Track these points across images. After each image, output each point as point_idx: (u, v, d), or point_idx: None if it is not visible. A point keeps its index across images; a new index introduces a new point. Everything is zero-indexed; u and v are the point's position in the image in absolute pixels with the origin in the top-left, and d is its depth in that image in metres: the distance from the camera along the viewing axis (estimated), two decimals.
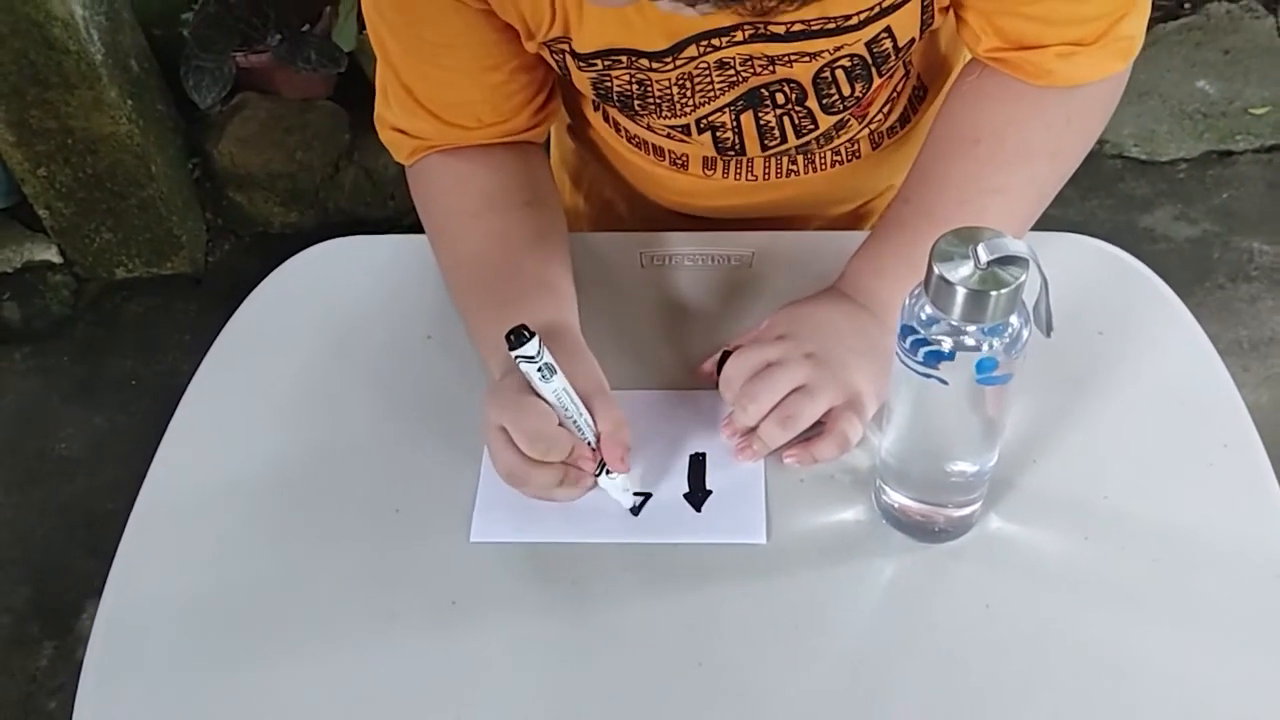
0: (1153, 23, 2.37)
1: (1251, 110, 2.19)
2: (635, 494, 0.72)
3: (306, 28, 2.02)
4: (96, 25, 1.78)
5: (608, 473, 0.70)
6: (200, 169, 2.14)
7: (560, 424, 0.68)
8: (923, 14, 0.73)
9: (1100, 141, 2.20)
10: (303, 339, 0.85)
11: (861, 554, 0.68)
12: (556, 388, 0.67)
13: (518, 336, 0.65)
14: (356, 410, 0.79)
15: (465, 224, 0.81)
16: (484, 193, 0.81)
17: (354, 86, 2.07)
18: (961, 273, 0.55)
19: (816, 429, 0.71)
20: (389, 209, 2.15)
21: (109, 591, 0.72)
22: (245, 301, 0.88)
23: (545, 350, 0.65)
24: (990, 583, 0.66)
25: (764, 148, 0.84)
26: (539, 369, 0.65)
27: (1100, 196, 2.05)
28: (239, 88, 2.09)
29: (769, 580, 0.67)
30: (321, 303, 0.88)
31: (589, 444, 0.69)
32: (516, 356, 0.65)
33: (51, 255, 2.07)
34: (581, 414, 0.68)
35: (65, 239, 2.05)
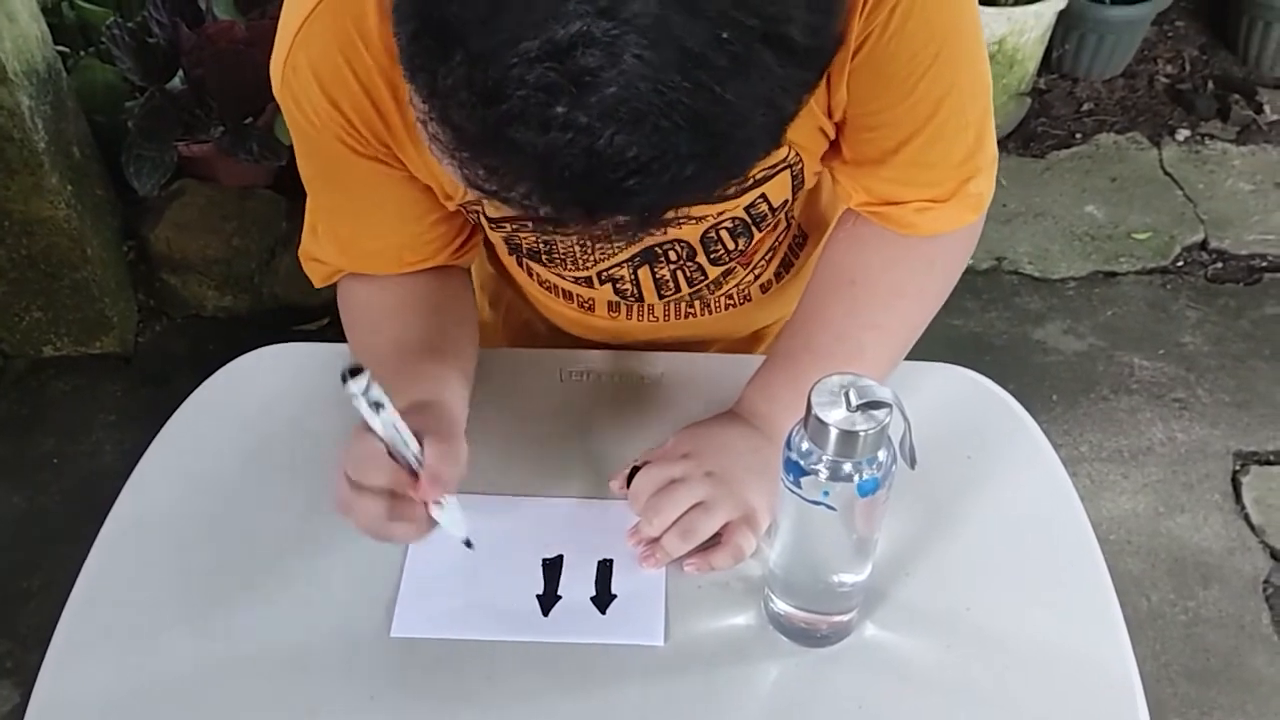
0: (1046, 150, 2.57)
1: (1134, 235, 2.37)
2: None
3: (249, 120, 2.09)
4: (41, 114, 1.83)
5: (437, 503, 0.72)
6: (135, 252, 2.17)
7: (391, 456, 0.69)
8: (793, 180, 0.83)
9: (998, 258, 2.37)
10: (238, 440, 0.90)
11: (750, 657, 0.76)
12: (385, 421, 0.69)
13: (349, 373, 0.65)
14: (287, 508, 0.85)
15: (372, 329, 0.88)
16: (393, 302, 0.88)
17: (293, 176, 2.12)
18: (835, 415, 0.63)
19: (714, 540, 0.79)
20: (321, 296, 2.19)
21: (41, 682, 0.75)
22: (184, 403, 0.94)
23: (375, 386, 0.66)
24: (863, 685, 0.74)
25: (660, 296, 0.94)
26: (370, 404, 0.67)
27: (998, 309, 2.20)
28: (179, 174, 2.14)
29: (666, 679, 0.74)
30: (257, 405, 0.93)
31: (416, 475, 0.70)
32: (347, 391, 0.66)
33: None
34: (410, 447, 0.70)
35: None
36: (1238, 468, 1.93)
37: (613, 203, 0.51)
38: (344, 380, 0.66)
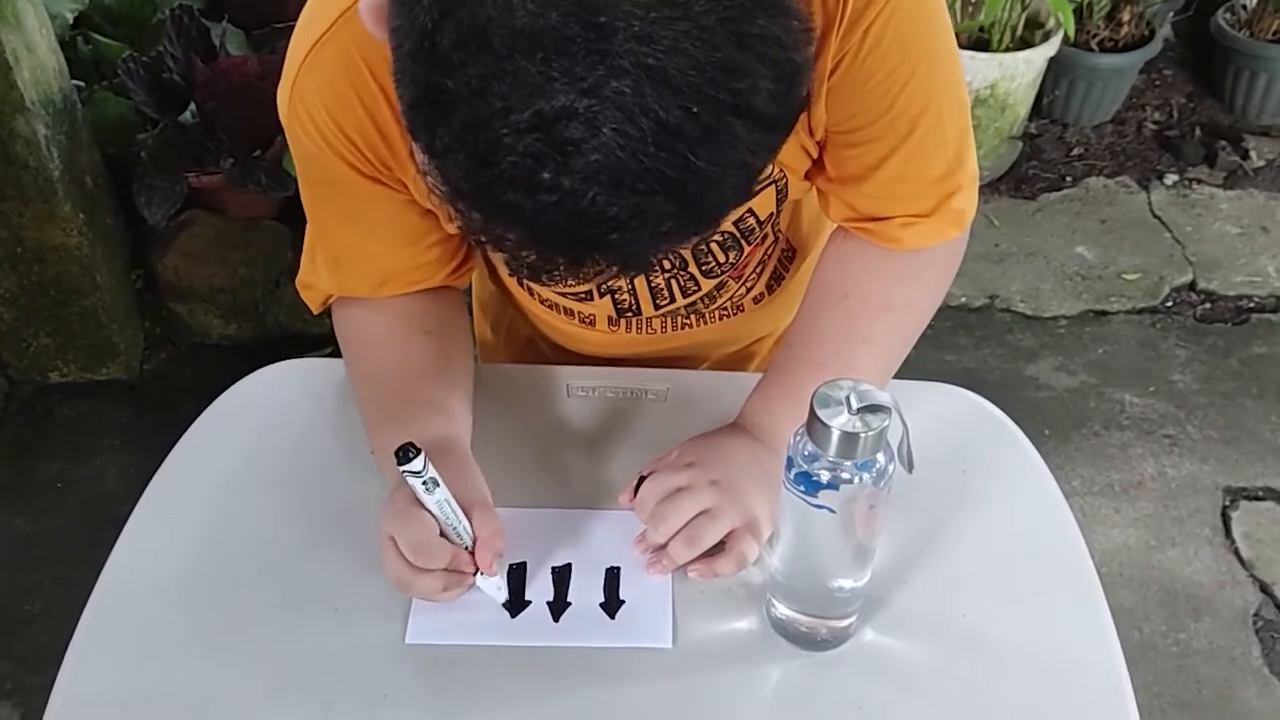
0: (1038, 193, 2.62)
1: (1124, 275, 2.42)
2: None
3: (258, 153, 2.13)
4: (57, 144, 1.87)
5: (481, 573, 0.78)
6: (142, 280, 2.21)
7: (442, 533, 0.76)
8: (777, 195, 0.87)
9: (991, 296, 2.40)
10: (253, 452, 0.93)
11: (754, 659, 0.78)
12: (439, 499, 0.74)
13: (404, 453, 0.72)
14: (300, 522, 0.87)
15: (370, 350, 0.91)
16: (388, 323, 0.91)
17: (298, 208, 2.15)
18: (837, 418, 0.66)
19: (718, 547, 0.81)
20: (325, 325, 2.22)
21: (57, 691, 0.77)
22: (198, 420, 0.96)
23: (430, 465, 0.73)
24: (863, 687, 0.76)
25: (657, 307, 0.97)
26: (424, 482, 0.73)
27: (991, 346, 2.23)
28: (187, 205, 2.17)
29: (674, 680, 0.76)
30: (270, 420, 0.96)
31: (467, 549, 0.77)
32: (404, 471, 0.72)
33: None
34: (461, 522, 0.77)
35: (3, 342, 2.08)
36: (1227, 503, 1.95)
37: (596, 253, 0.56)
38: (400, 460, 0.71)
